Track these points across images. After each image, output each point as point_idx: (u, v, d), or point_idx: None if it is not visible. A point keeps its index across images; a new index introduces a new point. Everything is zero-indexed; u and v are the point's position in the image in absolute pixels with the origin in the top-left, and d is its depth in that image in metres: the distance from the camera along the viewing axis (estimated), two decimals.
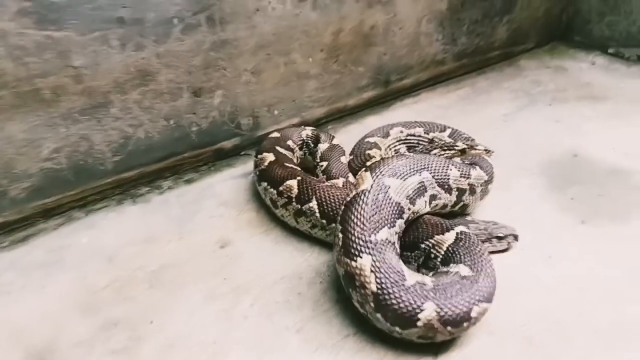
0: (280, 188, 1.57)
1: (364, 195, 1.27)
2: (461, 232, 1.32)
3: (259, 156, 1.72)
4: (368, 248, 1.20)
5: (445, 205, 1.47)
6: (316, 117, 2.20)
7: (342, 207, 1.29)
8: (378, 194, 1.27)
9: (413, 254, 1.36)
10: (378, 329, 1.24)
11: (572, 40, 3.11)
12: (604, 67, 2.80)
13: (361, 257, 1.19)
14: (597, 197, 1.75)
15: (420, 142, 1.85)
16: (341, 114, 2.30)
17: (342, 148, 1.82)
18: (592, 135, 2.12)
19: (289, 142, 1.82)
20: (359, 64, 2.23)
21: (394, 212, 1.28)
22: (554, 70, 2.82)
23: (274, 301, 1.38)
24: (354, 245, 1.21)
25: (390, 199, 1.28)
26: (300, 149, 1.86)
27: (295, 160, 1.80)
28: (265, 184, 1.63)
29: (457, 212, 1.55)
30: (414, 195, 1.34)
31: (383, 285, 1.16)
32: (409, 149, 1.86)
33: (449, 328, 1.15)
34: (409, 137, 1.87)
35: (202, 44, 1.73)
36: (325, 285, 1.42)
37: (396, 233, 1.28)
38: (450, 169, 1.45)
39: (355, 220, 1.24)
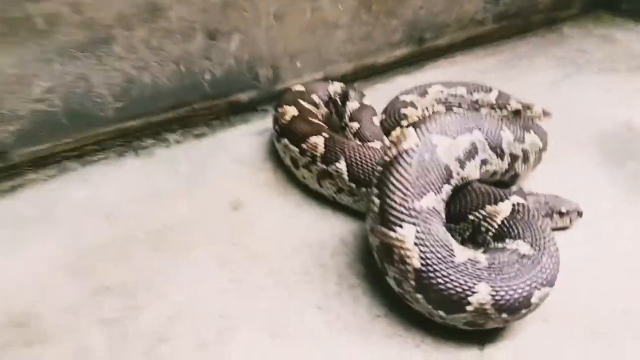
0: (304, 145, 1.37)
1: (408, 154, 1.07)
2: (518, 204, 1.12)
3: (280, 109, 1.51)
4: (411, 216, 1.00)
5: (494, 173, 1.27)
6: (342, 73, 1.98)
7: (380, 169, 1.09)
8: (424, 154, 1.07)
9: (458, 227, 1.16)
10: (414, 311, 1.05)
11: (619, 9, 2.84)
12: None
13: (402, 227, 0.99)
14: None
15: (463, 104, 1.64)
16: (369, 72, 2.08)
17: (373, 108, 1.60)
18: None
19: (314, 97, 1.61)
20: (393, 17, 2.00)
21: (442, 175, 1.08)
22: (601, 39, 2.57)
23: (292, 272, 1.19)
24: (394, 212, 1.01)
25: (438, 160, 1.08)
26: (326, 106, 1.65)
27: (319, 117, 1.59)
28: (286, 140, 1.43)
29: (506, 182, 1.34)
30: (464, 158, 1.13)
31: (428, 261, 0.97)
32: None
33: (504, 315, 0.96)
34: (449, 98, 1.65)
35: None
36: (352, 257, 1.23)
37: (443, 200, 1.08)
38: (504, 131, 1.24)
39: (396, 183, 1.04)
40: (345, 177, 1.29)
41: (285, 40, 1.75)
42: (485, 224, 1.11)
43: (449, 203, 1.17)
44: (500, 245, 1.06)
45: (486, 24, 2.37)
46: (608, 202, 1.43)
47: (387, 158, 1.10)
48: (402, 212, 1.00)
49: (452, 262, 0.97)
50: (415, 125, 1.13)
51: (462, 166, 1.13)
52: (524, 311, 0.97)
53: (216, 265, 1.20)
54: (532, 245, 1.03)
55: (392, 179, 1.05)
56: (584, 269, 1.20)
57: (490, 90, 1.64)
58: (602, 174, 1.56)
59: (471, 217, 1.14)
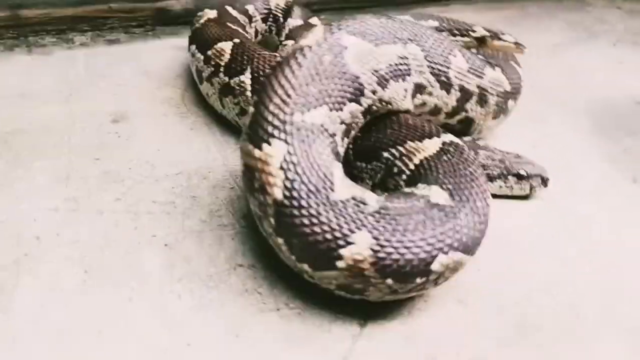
0: (209, 52, 1.09)
1: (303, 53, 0.77)
2: (450, 143, 0.83)
3: (199, 13, 1.23)
4: (284, 132, 0.71)
5: (437, 109, 0.97)
6: (306, 0, 1.68)
7: (267, 71, 0.80)
8: (324, 55, 0.78)
9: (369, 167, 0.87)
10: (286, 265, 0.77)
11: None
12: None
13: (270, 144, 0.71)
14: None
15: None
16: (342, 5, 1.78)
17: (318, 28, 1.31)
18: None
19: (250, 7, 1.32)
20: None
21: (347, 87, 0.79)
22: (627, 12, 2.23)
23: (152, 200, 0.92)
24: (264, 124, 0.73)
25: (343, 66, 0.79)
26: (265, 21, 1.36)
27: (250, 32, 1.30)
28: (194, 47, 1.15)
29: (457, 129, 1.04)
30: (387, 74, 0.84)
31: (293, 193, 0.68)
32: None
33: (389, 281, 0.68)
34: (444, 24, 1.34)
35: None
36: (237, 193, 0.96)
37: (343, 122, 0.79)
38: (455, 55, 0.94)
39: (276, 88, 0.75)
40: (249, 94, 1.01)
41: None
42: (400, 164, 0.82)
43: (363, 134, 0.88)
44: (409, 190, 0.77)
45: None
46: (587, 178, 1.14)
47: (279, 58, 0.81)
48: (272, 125, 0.72)
49: (327, 197, 0.68)
50: (329, 24, 0.84)
51: (381, 84, 0.83)
52: (419, 280, 0.69)
53: (59, 180, 0.94)
54: (451, 195, 0.73)
55: (273, 82, 0.76)
56: (536, 251, 0.91)
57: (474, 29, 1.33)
58: (590, 145, 1.26)
59: (386, 154, 0.85)
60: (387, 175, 0.84)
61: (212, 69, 1.07)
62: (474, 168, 0.79)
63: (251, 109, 0.77)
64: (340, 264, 0.67)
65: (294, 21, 1.30)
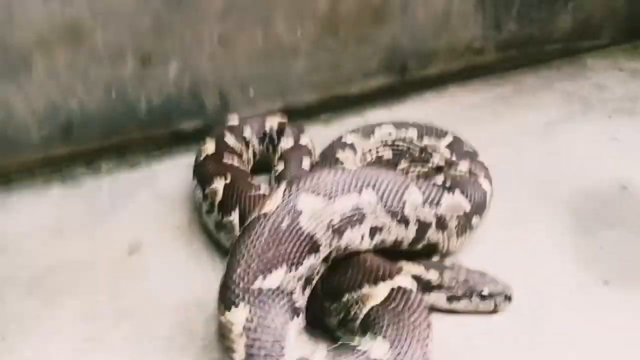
0: (206, 190, 1.26)
1: (262, 221, 0.92)
2: (399, 288, 0.94)
3: (202, 144, 1.41)
4: (244, 299, 0.86)
5: (398, 242, 1.09)
6: (306, 103, 1.85)
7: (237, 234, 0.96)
8: (282, 220, 0.92)
9: (334, 306, 1.00)
10: None
11: None
12: None
13: (232, 309, 0.85)
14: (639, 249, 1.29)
15: (411, 150, 1.45)
16: (340, 104, 1.92)
17: (309, 148, 1.46)
18: None
19: (246, 133, 1.49)
20: (366, 44, 1.84)
21: (302, 247, 0.93)
22: (629, 74, 2.24)
23: (156, 336, 1.08)
24: (229, 290, 0.87)
25: (299, 229, 0.93)
26: (262, 142, 1.52)
27: (248, 155, 1.47)
28: (196, 181, 1.32)
29: (424, 253, 1.15)
30: (342, 225, 0.97)
31: (252, 358, 0.82)
32: (395, 157, 1.46)
33: None
34: (397, 142, 1.46)
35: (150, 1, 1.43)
36: None
37: (300, 278, 0.92)
38: (410, 192, 1.06)
39: (240, 254, 0.90)
40: (237, 232, 1.16)
41: (233, 67, 1.65)
42: (355, 310, 0.94)
43: (332, 274, 1.01)
44: (355, 342, 0.89)
45: (486, 53, 2.14)
46: (556, 283, 1.21)
47: (246, 223, 0.96)
48: (235, 293, 0.86)
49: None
50: (289, 182, 0.99)
51: (338, 235, 0.97)
52: None
53: (82, 319, 1.12)
54: (392, 345, 0.85)
55: (238, 248, 0.91)
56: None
57: (445, 134, 1.44)
58: (563, 245, 1.32)
59: (345, 297, 0.97)
60: (346, 318, 0.96)
61: (209, 205, 1.24)
62: (418, 315, 0.90)
63: (223, 272, 0.92)
64: None
65: (286, 142, 1.45)
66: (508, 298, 1.10)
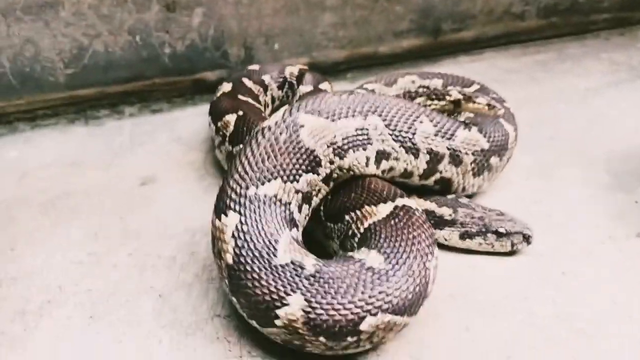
0: (219, 123, 1.25)
1: (262, 132, 0.90)
2: (402, 207, 0.90)
3: (219, 86, 1.41)
4: (239, 204, 0.84)
5: (409, 173, 1.04)
6: (333, 60, 1.82)
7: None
8: (280, 133, 0.90)
9: (336, 227, 0.97)
10: None
11: None
12: None
13: (227, 215, 0.84)
14: None
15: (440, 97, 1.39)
16: (369, 62, 1.89)
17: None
18: None
19: (265, 77, 1.48)
20: (396, 1, 1.80)
21: (302, 161, 0.90)
22: None
23: (158, 255, 1.08)
24: (225, 197, 0.86)
25: (298, 142, 0.90)
26: (281, 88, 1.51)
27: (265, 98, 1.46)
28: (210, 118, 1.32)
29: (436, 189, 1.10)
30: (345, 145, 0.94)
31: (241, 258, 0.80)
32: None
33: (322, 339, 0.76)
34: (420, 90, 1.42)
35: None
36: None
37: (299, 192, 0.90)
38: (421, 121, 1.01)
39: (238, 164, 0.88)
40: None
41: (258, 18, 1.64)
42: (354, 228, 0.91)
43: (334, 198, 0.98)
44: (350, 254, 0.85)
45: (526, 19, 2.05)
46: (584, 234, 1.13)
47: (248, 137, 0.94)
48: (231, 198, 0.85)
49: (269, 262, 0.79)
50: (293, 103, 0.97)
51: (339, 154, 0.93)
52: (350, 339, 0.76)
53: (88, 238, 1.13)
54: (387, 258, 0.81)
55: (237, 159, 0.89)
56: (507, 315, 0.94)
57: (472, 84, 1.39)
58: (597, 200, 1.24)
59: (347, 217, 0.94)
60: (345, 237, 0.93)
61: (221, 138, 1.23)
62: (420, 232, 0.86)
63: (222, 182, 0.91)
64: (278, 322, 0.77)
65: (305, 87, 1.43)
66: (527, 239, 1.04)
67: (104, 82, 1.56)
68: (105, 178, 1.32)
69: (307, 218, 0.94)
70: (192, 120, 1.58)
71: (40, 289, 1.00)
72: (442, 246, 1.08)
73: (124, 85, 1.59)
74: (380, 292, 0.77)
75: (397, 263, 0.80)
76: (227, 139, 1.21)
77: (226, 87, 1.37)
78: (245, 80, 1.42)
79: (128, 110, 1.62)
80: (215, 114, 1.28)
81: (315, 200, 0.94)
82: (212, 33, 1.61)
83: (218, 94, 1.35)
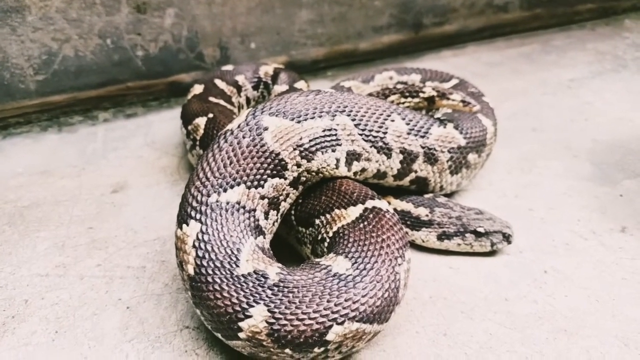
0: (189, 127, 1.22)
1: (224, 137, 0.87)
2: (372, 209, 0.87)
3: (191, 88, 1.37)
4: (200, 212, 0.80)
5: (382, 173, 1.01)
6: (312, 58, 1.79)
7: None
8: (243, 137, 0.86)
9: (307, 232, 0.93)
10: None
11: None
12: None
13: (188, 224, 0.80)
14: None
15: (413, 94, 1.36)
16: (349, 60, 1.86)
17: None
18: None
19: (239, 78, 1.45)
20: None
21: (266, 165, 0.86)
22: None
23: (127, 265, 1.05)
24: (186, 205, 0.82)
25: (262, 146, 0.87)
26: (256, 88, 1.47)
27: (239, 99, 1.42)
28: (181, 121, 1.28)
29: (412, 189, 1.07)
30: (312, 146, 0.91)
31: (202, 269, 0.77)
32: None
33: (287, 350, 0.73)
34: (398, 86, 1.38)
35: None
36: None
37: (264, 197, 0.86)
38: (392, 119, 0.98)
39: (199, 170, 0.85)
40: None
41: (232, 17, 1.60)
42: (323, 232, 0.87)
43: (305, 201, 0.95)
44: (316, 260, 0.82)
45: (510, 11, 2.02)
46: (566, 229, 1.11)
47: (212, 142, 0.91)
48: (192, 206, 0.81)
49: (230, 272, 0.76)
50: (257, 104, 0.93)
51: (307, 157, 0.90)
52: (317, 350, 0.73)
53: (56, 249, 1.10)
54: (354, 263, 0.78)
55: (198, 165, 0.86)
56: (470, 306, 0.91)
57: (450, 78, 1.35)
58: (581, 193, 1.22)
59: (317, 221, 0.91)
60: (316, 242, 0.89)
61: (192, 142, 1.20)
62: (389, 234, 0.82)
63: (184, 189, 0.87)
64: (242, 335, 0.73)
65: (280, 87, 1.40)
66: (507, 238, 1.01)
67: (75, 87, 1.53)
68: (75, 186, 1.29)
69: (276, 224, 0.91)
70: (167, 124, 1.55)
71: (4, 303, 0.97)
72: (421, 248, 1.06)
73: (96, 90, 1.55)
74: (346, 300, 0.73)
75: (364, 268, 0.77)
76: (197, 142, 1.17)
77: (197, 89, 1.34)
78: (218, 82, 1.39)
79: (102, 115, 1.58)
80: (186, 118, 1.25)
81: (284, 206, 0.91)
82: (185, 34, 1.57)
83: (189, 97, 1.32)
